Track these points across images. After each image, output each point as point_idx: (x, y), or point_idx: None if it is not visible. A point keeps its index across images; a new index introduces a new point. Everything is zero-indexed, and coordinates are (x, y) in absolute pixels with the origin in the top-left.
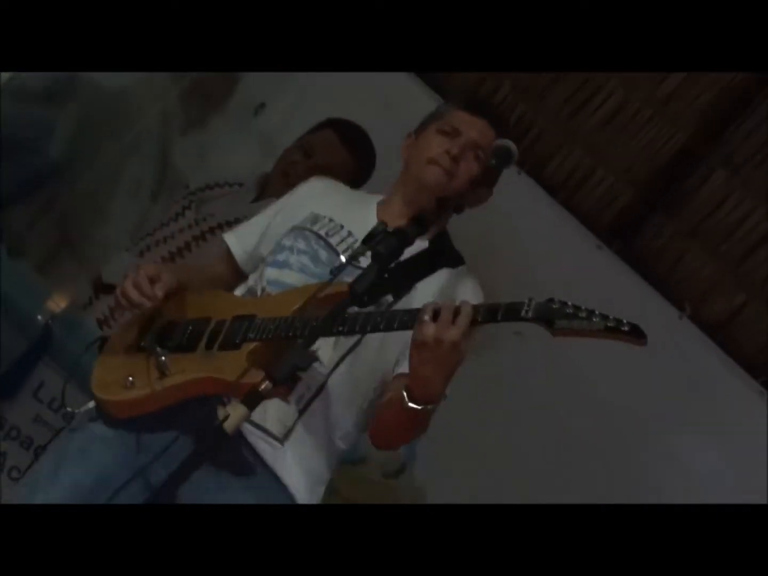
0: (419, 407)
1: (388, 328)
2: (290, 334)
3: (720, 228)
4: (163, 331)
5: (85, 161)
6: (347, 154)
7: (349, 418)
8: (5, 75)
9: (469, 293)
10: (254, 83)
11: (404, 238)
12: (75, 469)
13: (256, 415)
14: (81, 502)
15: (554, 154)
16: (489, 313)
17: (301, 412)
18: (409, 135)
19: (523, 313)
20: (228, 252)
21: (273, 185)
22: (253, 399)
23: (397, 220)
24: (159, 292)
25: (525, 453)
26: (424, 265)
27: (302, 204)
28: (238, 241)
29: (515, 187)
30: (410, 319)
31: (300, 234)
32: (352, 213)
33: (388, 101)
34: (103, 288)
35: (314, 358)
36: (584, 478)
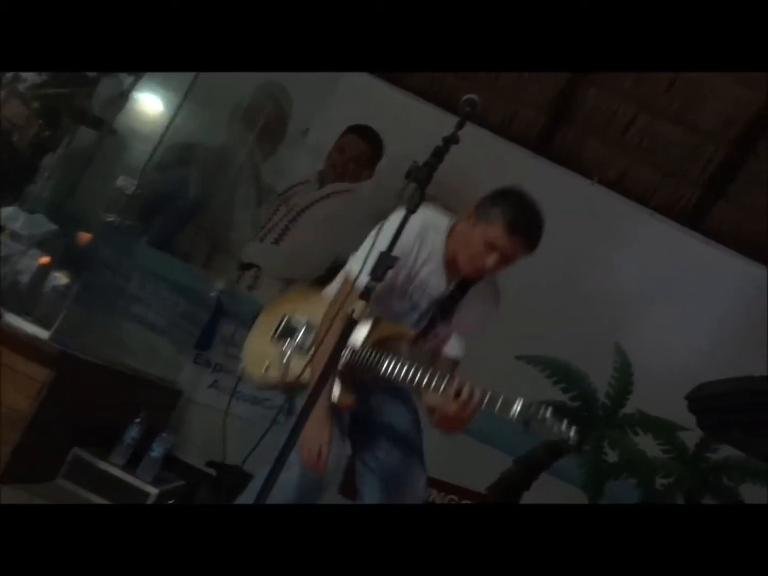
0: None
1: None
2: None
3: (605, 126)
4: (290, 332)
5: (211, 193)
6: (365, 145)
7: None
8: (146, 157)
9: None
10: (297, 118)
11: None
12: None
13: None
14: None
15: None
16: (490, 404)
17: None
18: (473, 208)
19: (511, 413)
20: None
21: (327, 175)
22: (366, 296)
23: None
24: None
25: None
26: None
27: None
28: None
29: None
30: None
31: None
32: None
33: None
34: (244, 266)
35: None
36: None
